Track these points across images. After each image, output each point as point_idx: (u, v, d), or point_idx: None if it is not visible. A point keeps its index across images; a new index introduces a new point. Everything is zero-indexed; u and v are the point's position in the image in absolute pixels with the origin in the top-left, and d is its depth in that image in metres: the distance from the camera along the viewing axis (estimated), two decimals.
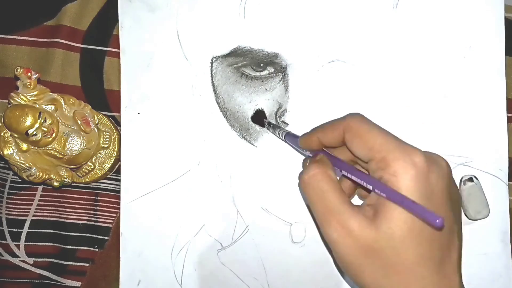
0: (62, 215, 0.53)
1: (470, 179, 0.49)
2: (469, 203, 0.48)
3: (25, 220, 0.53)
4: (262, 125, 0.50)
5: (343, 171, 0.37)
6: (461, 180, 0.49)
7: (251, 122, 0.51)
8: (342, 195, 0.35)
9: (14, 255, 0.53)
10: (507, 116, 0.50)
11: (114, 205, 0.53)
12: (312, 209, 0.36)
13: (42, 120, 0.46)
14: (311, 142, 0.40)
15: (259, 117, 0.50)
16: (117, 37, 0.52)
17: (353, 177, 0.36)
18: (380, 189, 0.33)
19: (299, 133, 0.43)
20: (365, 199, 0.36)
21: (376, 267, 0.33)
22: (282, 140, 0.48)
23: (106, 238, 0.53)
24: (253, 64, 0.50)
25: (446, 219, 0.32)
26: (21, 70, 0.46)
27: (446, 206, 0.33)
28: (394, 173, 0.32)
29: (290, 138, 0.46)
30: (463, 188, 0.49)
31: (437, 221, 0.28)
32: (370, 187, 0.34)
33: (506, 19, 0.50)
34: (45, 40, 0.53)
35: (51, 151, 0.47)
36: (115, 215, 0.53)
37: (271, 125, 0.49)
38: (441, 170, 0.33)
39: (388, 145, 0.33)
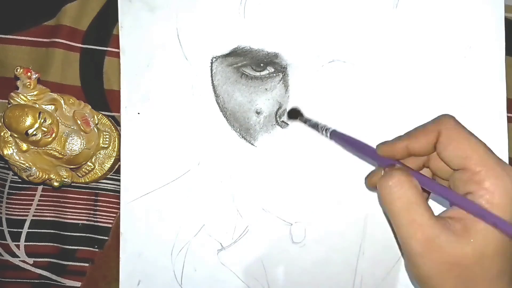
0: (62, 215, 0.53)
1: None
2: None
3: (25, 220, 0.53)
4: (302, 121, 0.48)
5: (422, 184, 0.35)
6: None
7: (251, 122, 0.51)
8: (429, 208, 0.34)
9: (14, 255, 0.53)
10: (507, 116, 0.50)
11: (114, 205, 0.53)
12: (393, 218, 0.35)
13: (42, 120, 0.46)
14: (396, 149, 0.38)
15: (295, 114, 0.49)
16: (117, 37, 0.52)
17: (435, 192, 0.35)
18: (470, 208, 0.32)
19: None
20: (445, 211, 0.35)
21: (460, 281, 0.33)
22: (324, 136, 0.45)
23: (106, 238, 0.53)
24: (253, 64, 0.50)
25: None
26: (21, 70, 0.46)
27: None
28: (490, 189, 0.32)
29: (337, 137, 0.43)
30: None
31: None
32: (458, 204, 0.33)
33: (506, 19, 0.50)
34: (45, 40, 0.53)
35: (51, 151, 0.47)
36: (115, 215, 0.53)
37: (309, 122, 0.48)
38: None
39: (488, 159, 0.33)
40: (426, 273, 0.33)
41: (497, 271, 0.32)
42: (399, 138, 0.38)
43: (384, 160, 0.38)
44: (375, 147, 0.40)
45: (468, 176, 0.33)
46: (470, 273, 0.32)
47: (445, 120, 0.35)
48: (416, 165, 0.38)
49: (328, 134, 0.44)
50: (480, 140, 0.35)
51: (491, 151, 0.34)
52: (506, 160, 0.50)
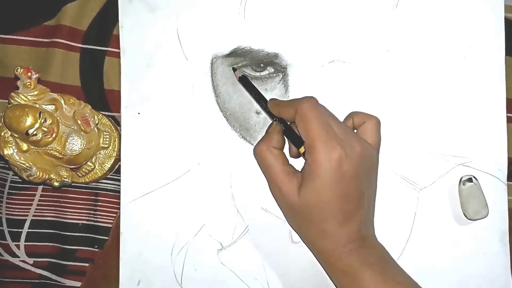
0: (62, 215, 0.53)
1: (470, 179, 0.49)
2: (468, 203, 0.48)
3: (25, 220, 0.53)
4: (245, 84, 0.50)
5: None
6: (460, 180, 0.49)
7: (251, 122, 0.51)
8: (282, 167, 0.45)
9: (14, 255, 0.53)
10: (507, 116, 0.50)
11: (114, 205, 0.53)
12: (264, 175, 0.47)
13: (42, 120, 0.46)
14: (274, 108, 0.47)
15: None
16: (117, 37, 0.52)
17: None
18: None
19: None
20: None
21: (297, 220, 0.46)
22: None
23: (106, 238, 0.53)
24: (253, 64, 0.50)
25: (352, 193, 0.43)
26: (22, 70, 0.46)
27: (355, 184, 0.43)
28: (315, 161, 0.42)
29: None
30: (462, 188, 0.49)
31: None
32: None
33: (506, 19, 0.51)
34: (45, 40, 0.53)
35: (51, 151, 0.47)
36: (115, 215, 0.53)
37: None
38: (353, 158, 0.43)
39: (318, 136, 0.42)
40: (283, 212, 0.47)
41: (321, 217, 0.43)
42: (279, 103, 0.47)
43: (270, 113, 0.48)
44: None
45: (307, 148, 0.43)
46: (302, 216, 0.44)
47: (305, 100, 0.44)
48: None
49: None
50: (326, 122, 0.43)
51: (329, 131, 0.42)
52: (505, 160, 0.50)
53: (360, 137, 0.45)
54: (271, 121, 0.49)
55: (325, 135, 0.42)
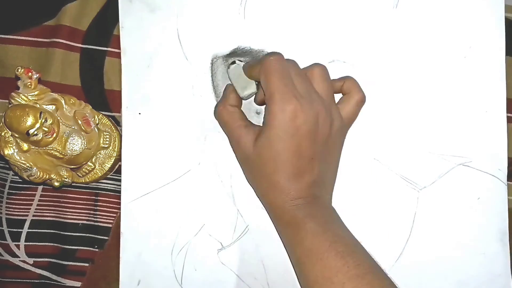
0: (62, 215, 0.53)
1: (233, 62, 0.49)
2: (237, 83, 0.49)
3: (25, 220, 0.53)
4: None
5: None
6: (227, 67, 0.49)
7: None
8: (238, 122, 0.47)
9: (14, 255, 0.53)
10: (507, 116, 0.50)
11: (114, 205, 0.53)
12: (225, 133, 0.49)
13: (43, 120, 0.46)
14: (247, 73, 0.48)
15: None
16: (117, 37, 0.52)
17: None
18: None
19: None
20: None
21: (250, 172, 0.47)
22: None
23: (106, 238, 0.53)
24: None
25: (305, 150, 0.43)
26: (22, 70, 0.46)
27: (308, 143, 0.43)
28: (270, 112, 0.43)
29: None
30: (228, 72, 0.49)
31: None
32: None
33: (506, 19, 0.51)
34: (45, 40, 0.53)
35: (52, 151, 0.47)
36: (115, 215, 0.53)
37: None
38: (310, 115, 0.43)
39: (276, 88, 0.42)
40: (239, 162, 0.49)
41: (272, 170, 0.44)
42: (249, 64, 0.47)
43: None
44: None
45: (266, 99, 0.44)
46: (255, 168, 0.46)
47: (267, 55, 0.44)
48: None
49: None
50: (288, 76, 0.43)
51: (288, 85, 0.43)
52: (505, 160, 0.50)
53: (325, 99, 0.45)
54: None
55: (283, 88, 0.42)
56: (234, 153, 0.48)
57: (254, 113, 0.51)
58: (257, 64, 0.45)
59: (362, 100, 0.47)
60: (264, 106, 0.47)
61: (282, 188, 0.44)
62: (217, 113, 0.49)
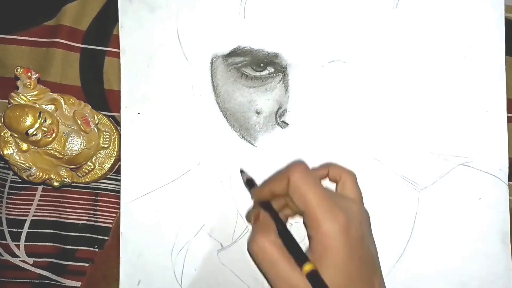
0: (62, 215, 0.53)
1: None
2: None
3: (25, 220, 0.53)
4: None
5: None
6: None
7: (251, 122, 0.51)
8: (289, 261, 0.40)
9: (14, 255, 0.53)
10: (507, 116, 0.50)
11: (114, 205, 0.53)
12: (264, 274, 0.41)
13: (42, 120, 0.46)
14: (264, 193, 0.45)
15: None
16: (117, 37, 0.52)
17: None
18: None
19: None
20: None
21: None
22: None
23: (106, 238, 0.53)
24: (253, 64, 0.50)
25: (366, 257, 0.41)
26: (21, 70, 0.46)
27: (364, 244, 0.41)
28: (324, 234, 0.39)
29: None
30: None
31: None
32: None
33: (506, 19, 0.50)
34: (45, 40, 0.53)
35: (51, 151, 0.47)
36: (115, 215, 0.53)
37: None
38: (356, 219, 0.41)
39: (321, 206, 0.39)
40: None
41: None
42: (265, 182, 0.45)
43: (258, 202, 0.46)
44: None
45: (309, 221, 0.40)
46: None
47: (293, 168, 0.41)
48: (280, 205, 0.45)
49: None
50: (320, 186, 0.41)
51: (328, 197, 0.40)
52: (506, 160, 0.50)
53: (347, 197, 0.43)
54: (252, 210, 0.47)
55: (328, 204, 0.40)
56: None
57: (253, 113, 0.51)
58: (278, 180, 0.42)
59: (355, 176, 0.45)
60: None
61: None
62: (262, 249, 0.41)
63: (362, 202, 0.44)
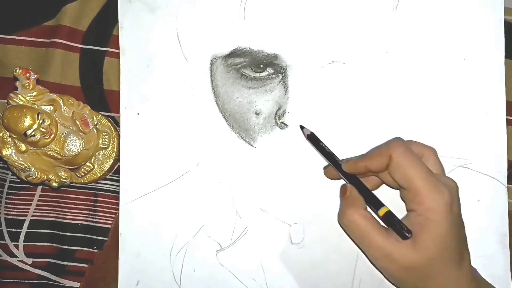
0: (61, 216, 0.53)
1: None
2: None
3: (24, 220, 0.53)
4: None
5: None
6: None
7: (251, 123, 0.51)
8: (381, 230, 0.42)
9: (12, 255, 0.53)
10: (507, 119, 0.50)
11: (113, 206, 0.53)
12: (358, 245, 0.44)
13: (41, 121, 0.46)
14: (357, 167, 0.45)
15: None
16: (116, 38, 0.52)
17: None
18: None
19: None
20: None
21: (416, 278, 0.42)
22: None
23: (105, 239, 0.53)
24: (253, 65, 0.50)
25: (462, 233, 0.43)
26: (20, 71, 0.46)
27: (461, 221, 0.43)
28: (428, 209, 0.41)
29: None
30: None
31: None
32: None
33: (505, 22, 0.50)
34: (44, 40, 0.53)
35: (50, 152, 0.47)
36: (114, 215, 0.53)
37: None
38: (457, 196, 0.42)
39: (427, 182, 0.41)
40: (393, 277, 0.43)
41: (442, 264, 0.41)
42: (360, 157, 0.45)
43: (345, 174, 0.46)
44: (342, 159, 0.47)
45: (411, 196, 0.42)
46: (422, 271, 0.41)
47: (395, 145, 0.43)
48: (375, 180, 0.47)
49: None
50: (423, 164, 0.42)
51: (432, 173, 0.42)
52: (505, 163, 0.50)
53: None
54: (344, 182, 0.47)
55: (432, 180, 0.41)
56: (379, 264, 0.43)
57: (253, 114, 0.51)
58: (378, 156, 0.43)
59: (436, 153, 0.45)
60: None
61: (455, 279, 0.42)
62: (352, 221, 0.43)
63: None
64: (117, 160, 0.52)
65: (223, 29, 0.51)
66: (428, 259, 0.41)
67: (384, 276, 0.45)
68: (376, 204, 0.43)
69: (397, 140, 0.44)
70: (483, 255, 0.50)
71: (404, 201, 0.44)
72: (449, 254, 0.41)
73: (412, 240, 0.41)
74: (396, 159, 0.42)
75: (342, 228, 0.45)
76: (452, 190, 0.42)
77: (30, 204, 0.53)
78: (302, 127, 0.49)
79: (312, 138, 0.48)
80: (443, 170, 0.45)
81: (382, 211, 0.42)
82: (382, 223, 0.43)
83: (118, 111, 0.52)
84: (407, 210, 0.43)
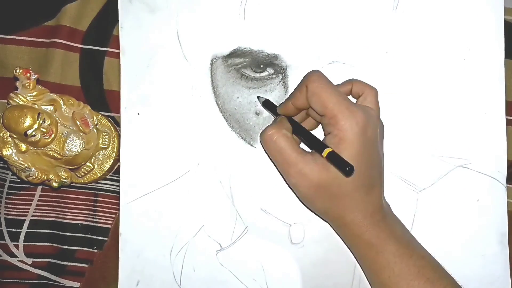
0: (61, 216, 0.53)
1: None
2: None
3: (24, 220, 0.53)
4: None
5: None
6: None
7: (251, 123, 0.51)
8: (296, 148, 0.44)
9: (12, 255, 0.53)
10: (506, 119, 0.50)
11: (113, 206, 0.53)
12: (273, 161, 0.46)
13: (41, 121, 0.46)
14: (287, 108, 0.46)
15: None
16: (117, 38, 0.52)
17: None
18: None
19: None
20: None
21: (325, 197, 0.44)
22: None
23: (105, 239, 0.53)
24: (253, 65, 0.50)
25: (375, 159, 0.44)
26: (20, 71, 0.46)
27: (376, 149, 0.44)
28: (341, 129, 0.42)
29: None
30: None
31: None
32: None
33: (505, 22, 0.51)
34: (44, 40, 0.53)
35: (50, 152, 0.47)
36: (114, 215, 0.53)
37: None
38: (374, 122, 0.43)
39: (338, 105, 0.42)
40: (303, 195, 0.45)
41: (351, 187, 0.42)
42: (287, 98, 0.47)
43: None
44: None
45: (328, 120, 0.43)
46: (331, 190, 0.43)
47: (309, 76, 0.44)
48: (301, 118, 0.48)
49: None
50: (335, 89, 0.43)
51: (343, 97, 0.43)
52: (505, 163, 0.50)
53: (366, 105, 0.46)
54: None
55: (345, 103, 0.42)
56: (291, 181, 0.44)
57: (253, 114, 0.51)
58: (298, 91, 0.44)
59: (377, 93, 0.46)
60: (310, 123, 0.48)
61: (361, 204, 0.43)
62: (270, 139, 0.44)
63: (379, 114, 0.46)
64: (117, 160, 0.52)
65: (223, 29, 0.51)
66: (336, 178, 0.42)
67: (296, 196, 0.46)
68: (319, 146, 0.43)
69: (312, 71, 0.45)
70: (483, 254, 0.50)
71: (323, 128, 0.45)
72: (358, 177, 0.42)
73: (322, 160, 0.42)
74: (311, 88, 0.43)
75: (262, 146, 0.46)
76: (368, 115, 0.43)
77: (30, 204, 0.53)
78: (258, 97, 0.50)
79: (268, 104, 0.49)
80: (378, 109, 0.46)
81: (325, 152, 0.42)
82: (306, 148, 0.46)
83: (118, 111, 0.52)
84: (325, 135, 0.44)
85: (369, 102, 0.45)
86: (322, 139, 0.44)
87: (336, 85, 0.46)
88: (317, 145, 0.43)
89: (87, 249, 0.53)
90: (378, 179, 0.45)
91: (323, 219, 0.47)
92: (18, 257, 0.53)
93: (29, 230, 0.53)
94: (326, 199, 0.44)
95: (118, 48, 0.51)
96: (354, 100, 0.47)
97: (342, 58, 0.50)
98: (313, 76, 0.44)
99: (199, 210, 0.51)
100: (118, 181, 0.51)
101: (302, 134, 0.46)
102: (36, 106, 0.47)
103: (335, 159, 0.41)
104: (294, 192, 0.46)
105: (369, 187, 0.43)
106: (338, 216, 0.45)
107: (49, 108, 0.48)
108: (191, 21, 0.51)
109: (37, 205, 0.53)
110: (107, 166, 0.52)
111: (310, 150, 0.45)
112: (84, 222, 0.53)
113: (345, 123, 0.42)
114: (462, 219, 0.50)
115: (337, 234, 0.47)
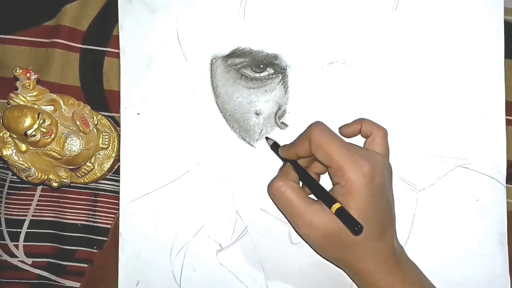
0: (61, 216, 0.53)
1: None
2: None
3: (24, 220, 0.53)
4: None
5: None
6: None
7: (251, 123, 0.51)
8: (304, 198, 0.44)
9: (12, 255, 0.53)
10: (506, 119, 0.50)
11: (113, 206, 0.53)
12: (282, 212, 0.46)
13: (41, 121, 0.46)
14: (289, 154, 0.47)
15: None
16: (117, 38, 0.52)
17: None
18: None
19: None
20: None
21: (336, 246, 0.44)
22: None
23: (105, 239, 0.53)
24: (253, 65, 0.50)
25: (384, 205, 0.44)
26: (20, 71, 0.46)
27: (384, 194, 0.44)
28: (348, 180, 0.42)
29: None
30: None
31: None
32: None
33: (505, 22, 0.51)
34: (44, 40, 0.53)
35: (50, 152, 0.47)
36: (114, 215, 0.53)
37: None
38: (380, 169, 0.43)
39: (344, 157, 0.42)
40: (315, 245, 0.45)
41: (362, 236, 0.42)
42: (290, 144, 0.47)
43: (284, 159, 0.49)
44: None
45: (334, 171, 0.43)
46: (341, 240, 0.43)
47: (312, 128, 0.44)
48: (308, 162, 0.48)
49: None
50: (340, 140, 0.44)
51: (348, 148, 0.43)
52: (504, 163, 0.50)
53: (370, 149, 0.46)
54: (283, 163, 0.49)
55: (349, 153, 0.42)
56: (301, 231, 0.45)
57: (253, 114, 0.51)
58: (300, 141, 0.45)
59: (387, 133, 0.47)
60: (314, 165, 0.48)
61: (373, 252, 0.43)
62: (278, 190, 0.45)
63: (388, 156, 0.47)
64: (117, 160, 0.52)
65: (223, 29, 0.51)
66: (346, 228, 0.42)
67: (309, 245, 0.46)
68: (328, 200, 0.43)
69: (315, 123, 0.45)
70: (482, 254, 0.50)
71: (330, 177, 0.45)
72: (367, 225, 0.41)
73: (329, 210, 0.43)
74: (314, 141, 0.43)
75: (271, 197, 0.46)
76: (374, 162, 0.43)
77: (30, 204, 0.53)
78: (267, 138, 0.50)
79: (276, 147, 0.49)
80: (387, 150, 0.46)
81: (334, 208, 0.42)
82: (313, 197, 0.45)
83: (118, 111, 0.52)
84: (333, 184, 0.44)
85: (378, 144, 0.46)
86: (330, 189, 0.44)
87: (345, 124, 0.48)
88: (325, 198, 0.43)
89: (87, 249, 0.53)
90: (389, 223, 0.45)
91: (337, 266, 0.47)
92: (18, 257, 0.53)
93: (29, 230, 0.53)
94: (337, 248, 0.44)
95: (118, 48, 0.51)
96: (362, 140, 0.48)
97: (342, 58, 0.50)
98: (316, 129, 0.44)
99: (199, 210, 0.51)
100: (118, 181, 0.51)
101: (309, 185, 0.46)
102: (36, 106, 0.47)
103: (344, 216, 0.42)
104: (306, 241, 0.46)
105: (380, 233, 0.43)
106: (351, 264, 0.45)
107: (49, 108, 0.48)
108: (191, 21, 0.51)
109: (37, 205, 0.53)
110: (107, 166, 0.52)
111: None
112: (84, 222, 0.53)
113: (351, 175, 0.42)
114: (462, 219, 0.50)
115: (352, 280, 0.47)
